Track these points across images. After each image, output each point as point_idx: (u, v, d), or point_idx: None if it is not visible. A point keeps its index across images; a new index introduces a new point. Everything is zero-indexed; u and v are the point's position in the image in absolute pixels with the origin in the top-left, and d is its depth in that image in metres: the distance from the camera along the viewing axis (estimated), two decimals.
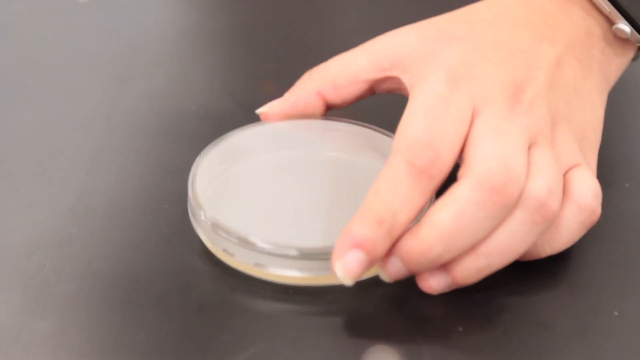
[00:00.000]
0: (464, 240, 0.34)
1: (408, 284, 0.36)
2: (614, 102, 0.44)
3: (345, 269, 0.34)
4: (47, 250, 0.39)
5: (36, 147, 0.46)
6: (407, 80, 0.40)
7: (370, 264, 0.34)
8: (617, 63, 0.42)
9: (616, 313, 0.37)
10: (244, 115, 0.48)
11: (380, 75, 0.41)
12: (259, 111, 0.43)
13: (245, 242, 0.36)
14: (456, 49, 0.39)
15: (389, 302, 0.37)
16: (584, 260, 0.39)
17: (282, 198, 0.40)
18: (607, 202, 0.38)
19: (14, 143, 0.46)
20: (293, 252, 0.36)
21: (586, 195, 0.37)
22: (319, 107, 0.42)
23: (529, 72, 0.38)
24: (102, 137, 0.47)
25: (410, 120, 0.36)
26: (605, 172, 0.40)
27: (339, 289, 0.36)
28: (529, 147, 0.36)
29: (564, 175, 0.37)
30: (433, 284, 0.35)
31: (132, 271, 0.38)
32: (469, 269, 0.35)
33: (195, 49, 0.57)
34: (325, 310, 0.37)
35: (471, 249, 0.35)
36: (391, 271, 0.35)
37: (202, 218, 0.38)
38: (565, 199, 0.37)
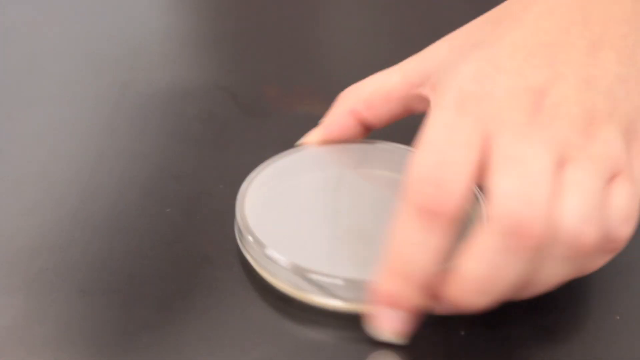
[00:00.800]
0: (502, 287, 0.33)
1: None
2: None
3: (388, 329, 0.34)
4: (50, 254, 0.39)
5: (38, 150, 0.46)
6: (432, 102, 0.37)
7: (412, 314, 0.33)
8: None
9: (618, 317, 0.36)
10: (247, 119, 0.48)
11: (412, 92, 0.39)
12: (298, 143, 0.42)
13: (296, 272, 0.36)
14: (470, 62, 0.36)
15: None
16: None
17: (331, 221, 0.39)
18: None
19: (16, 146, 0.46)
20: (340, 283, 0.35)
21: (614, 222, 0.33)
22: (353, 127, 0.41)
23: (553, 71, 0.34)
24: (104, 140, 0.47)
25: (416, 157, 0.33)
26: None
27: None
28: (562, 163, 0.33)
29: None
30: (441, 309, 0.35)
31: (135, 275, 0.38)
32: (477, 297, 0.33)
33: (198, 52, 0.57)
34: (326, 315, 0.37)
35: None
36: (442, 310, 0.34)
37: (250, 241, 0.37)
38: None
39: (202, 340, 0.35)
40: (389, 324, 0.33)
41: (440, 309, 0.34)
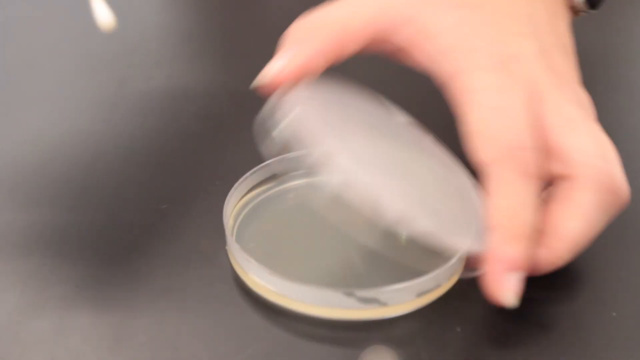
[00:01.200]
0: (587, 242, 0.36)
1: None
2: (612, 102, 0.44)
3: (512, 292, 0.34)
4: (47, 250, 0.39)
5: (36, 147, 0.46)
6: (424, 54, 0.38)
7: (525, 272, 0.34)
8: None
9: (614, 314, 0.36)
10: (243, 116, 0.48)
11: (381, 35, 0.39)
12: (267, 76, 0.38)
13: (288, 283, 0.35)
14: (475, 25, 0.38)
15: None
16: (582, 261, 0.39)
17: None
18: None
19: (13, 144, 0.46)
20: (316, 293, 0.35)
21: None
22: (321, 69, 0.38)
23: (544, 38, 0.39)
24: (102, 137, 0.47)
25: (490, 123, 0.36)
26: None
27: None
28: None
29: None
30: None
31: (131, 271, 0.38)
32: (560, 260, 0.35)
33: (195, 49, 0.57)
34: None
35: (550, 246, 0.35)
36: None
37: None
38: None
39: (198, 336, 0.35)
40: (515, 287, 0.34)
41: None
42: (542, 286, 0.37)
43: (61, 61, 0.54)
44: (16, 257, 0.38)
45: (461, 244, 0.35)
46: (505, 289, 0.34)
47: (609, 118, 0.41)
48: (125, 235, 0.40)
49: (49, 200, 0.42)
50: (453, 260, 0.36)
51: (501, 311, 0.36)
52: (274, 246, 0.38)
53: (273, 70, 0.38)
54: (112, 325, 0.35)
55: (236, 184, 0.40)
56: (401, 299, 0.35)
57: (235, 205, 0.40)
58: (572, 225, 0.35)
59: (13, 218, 0.41)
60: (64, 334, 0.35)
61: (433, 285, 0.36)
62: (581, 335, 0.36)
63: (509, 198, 0.34)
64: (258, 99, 0.47)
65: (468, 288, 0.36)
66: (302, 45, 0.38)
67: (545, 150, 0.36)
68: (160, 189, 0.43)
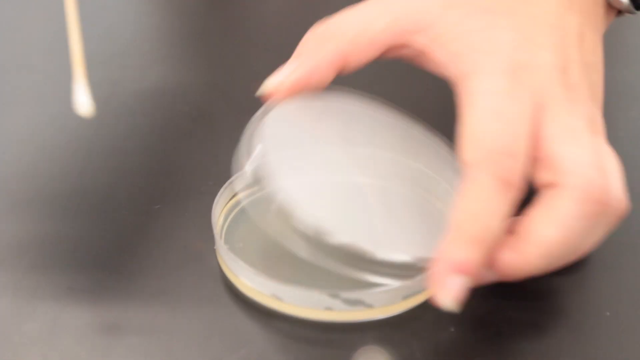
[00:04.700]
0: (564, 252, 0.34)
1: None
2: (610, 103, 0.43)
3: (453, 296, 0.33)
4: (39, 251, 0.39)
5: (28, 147, 0.46)
6: (442, 57, 0.37)
7: (472, 284, 0.33)
8: (607, 23, 0.42)
9: (608, 313, 0.37)
10: (237, 116, 0.48)
11: (399, 40, 0.38)
12: (268, 88, 0.38)
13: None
14: (501, 29, 0.37)
15: None
16: (576, 261, 0.39)
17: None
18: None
19: (6, 143, 0.46)
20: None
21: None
22: (331, 78, 0.38)
23: (567, 52, 0.37)
24: (95, 137, 0.47)
25: (483, 125, 0.35)
26: None
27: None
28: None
29: None
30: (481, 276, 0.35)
31: (123, 271, 0.38)
32: (534, 268, 0.34)
33: (188, 49, 0.57)
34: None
35: (525, 252, 0.34)
36: (482, 278, 0.35)
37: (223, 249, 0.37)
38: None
39: (192, 336, 0.35)
40: (455, 292, 0.33)
41: (486, 278, 0.35)
42: (535, 286, 0.38)
43: (54, 61, 0.54)
44: (8, 260, 0.38)
45: (397, 257, 0.34)
46: (445, 291, 0.33)
47: (606, 119, 0.41)
48: (118, 237, 0.40)
49: (40, 201, 0.42)
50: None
51: (495, 311, 0.36)
52: (262, 246, 0.38)
53: (272, 84, 0.39)
54: (105, 326, 0.35)
55: (225, 184, 0.40)
56: (387, 301, 0.35)
57: (224, 206, 0.40)
58: (547, 232, 0.33)
59: (3, 220, 0.41)
60: (56, 336, 0.35)
61: (418, 288, 0.36)
62: (575, 335, 0.36)
63: (476, 201, 0.33)
64: (251, 99, 0.47)
65: None
66: (307, 57, 0.39)
67: (537, 159, 0.35)
68: (153, 189, 0.43)
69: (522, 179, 0.34)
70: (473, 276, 0.33)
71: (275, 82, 0.39)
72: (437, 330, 0.35)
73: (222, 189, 0.39)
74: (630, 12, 0.42)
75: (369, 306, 0.35)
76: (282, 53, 0.56)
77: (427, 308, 0.36)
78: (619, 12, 0.43)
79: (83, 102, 0.34)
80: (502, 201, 0.33)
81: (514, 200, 0.34)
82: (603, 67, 0.40)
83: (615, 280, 0.38)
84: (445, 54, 0.38)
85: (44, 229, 0.40)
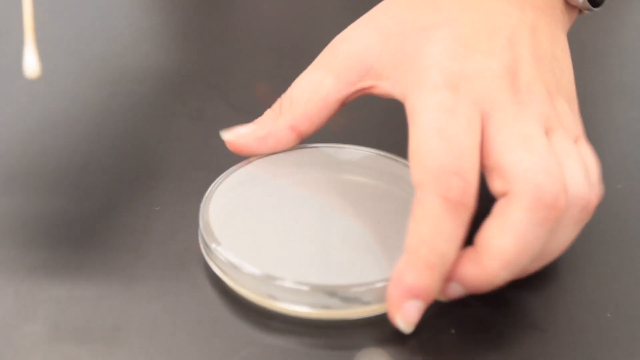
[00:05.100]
0: (525, 260, 0.34)
1: None
2: (607, 103, 0.44)
3: (406, 319, 0.33)
4: (39, 253, 0.39)
5: (28, 149, 0.46)
6: (388, 87, 0.38)
7: (427, 306, 0.34)
8: (569, 20, 0.42)
9: (609, 314, 0.37)
10: (237, 117, 0.48)
11: (351, 90, 0.39)
12: (224, 137, 0.41)
13: (261, 279, 0.35)
14: (435, 42, 0.36)
15: None
16: (576, 262, 0.39)
17: (300, 227, 0.38)
18: (599, 203, 0.38)
19: (5, 146, 0.46)
20: (307, 289, 0.35)
21: (595, 179, 0.36)
22: (292, 140, 0.40)
23: (515, 52, 0.36)
24: (94, 139, 0.47)
25: (426, 145, 0.34)
26: None
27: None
28: (547, 135, 0.35)
29: None
30: (449, 292, 0.34)
31: (124, 274, 0.38)
32: (496, 278, 0.34)
33: (188, 51, 0.57)
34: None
35: (484, 260, 0.34)
36: (450, 294, 0.34)
37: (215, 251, 0.37)
38: None
39: (192, 338, 0.35)
40: (411, 315, 0.33)
41: (447, 294, 0.34)
42: (536, 287, 0.38)
43: (53, 63, 0.54)
44: (9, 260, 0.38)
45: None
46: (400, 314, 0.33)
47: (601, 119, 0.41)
48: (118, 238, 0.40)
49: (40, 202, 0.42)
50: None
51: (496, 313, 0.36)
52: (259, 247, 0.38)
53: (226, 137, 0.41)
54: (106, 328, 0.35)
55: (212, 185, 0.40)
56: (384, 298, 0.35)
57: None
58: (502, 243, 0.33)
59: (4, 220, 0.41)
60: (57, 338, 0.35)
61: None
62: (576, 336, 0.36)
63: (426, 225, 0.33)
64: (250, 101, 0.47)
65: None
66: (261, 126, 0.41)
67: (490, 169, 0.34)
68: (153, 190, 0.43)
69: (473, 196, 0.33)
70: (426, 300, 0.33)
71: (228, 138, 0.41)
72: (438, 332, 0.35)
73: (207, 191, 0.40)
74: (588, 9, 0.42)
75: (366, 303, 0.35)
76: (281, 54, 0.56)
77: (428, 310, 0.36)
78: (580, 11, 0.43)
79: (31, 63, 0.35)
80: (454, 222, 0.33)
81: (468, 219, 0.33)
82: (568, 57, 0.39)
83: (615, 282, 0.38)
84: (391, 84, 0.38)
85: (44, 230, 0.40)
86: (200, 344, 0.35)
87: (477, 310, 0.36)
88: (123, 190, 0.43)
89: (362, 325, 0.36)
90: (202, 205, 0.39)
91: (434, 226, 0.33)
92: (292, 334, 0.35)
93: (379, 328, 0.35)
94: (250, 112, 0.43)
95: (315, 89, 0.39)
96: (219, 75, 0.53)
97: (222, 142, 0.44)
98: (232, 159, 0.42)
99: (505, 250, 0.33)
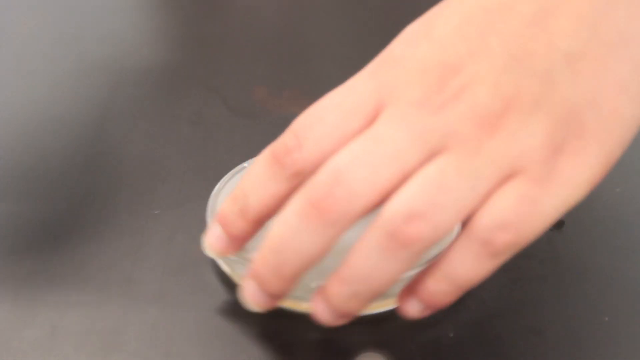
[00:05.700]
0: (292, 253, 0.30)
1: None
2: None
3: (207, 240, 0.35)
4: (38, 257, 0.39)
5: (28, 151, 0.46)
6: None
7: (228, 240, 0.34)
8: None
9: (607, 318, 0.37)
10: (237, 120, 0.48)
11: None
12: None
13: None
14: (414, 24, 0.32)
15: None
16: (575, 265, 0.39)
17: None
18: (598, 207, 0.38)
19: (5, 147, 0.46)
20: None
21: (482, 222, 0.29)
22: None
23: (479, 44, 0.29)
24: (94, 141, 0.47)
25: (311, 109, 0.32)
26: None
27: None
28: (432, 153, 0.29)
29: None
30: (319, 311, 0.32)
31: (123, 277, 0.38)
32: (337, 296, 0.31)
33: (187, 54, 0.57)
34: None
35: (334, 274, 0.31)
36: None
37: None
38: (463, 225, 0.30)
39: (191, 341, 0.35)
40: (211, 238, 0.35)
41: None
42: (534, 291, 0.38)
43: (53, 66, 0.54)
44: (8, 264, 0.38)
45: None
46: (205, 236, 0.35)
47: None
48: (117, 242, 0.40)
49: (40, 205, 0.42)
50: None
51: (494, 316, 0.36)
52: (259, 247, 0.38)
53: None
54: (105, 332, 0.35)
55: (218, 185, 0.40)
56: (382, 296, 0.35)
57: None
58: (273, 227, 0.31)
59: (3, 223, 0.41)
60: (56, 342, 0.35)
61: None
62: (574, 340, 0.36)
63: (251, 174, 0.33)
64: (250, 104, 0.47)
65: None
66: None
67: None
68: (153, 193, 0.43)
69: (297, 164, 0.31)
70: (226, 229, 0.34)
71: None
72: (436, 335, 0.35)
73: (214, 190, 0.40)
74: None
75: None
76: (280, 57, 0.56)
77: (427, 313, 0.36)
78: None
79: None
80: (264, 172, 0.32)
81: (282, 180, 0.31)
82: (613, 58, 0.30)
83: (613, 285, 0.38)
84: None
85: (43, 233, 0.40)
86: (199, 348, 0.35)
87: (475, 313, 0.36)
88: (122, 194, 0.43)
89: (362, 326, 0.36)
90: (209, 201, 0.39)
91: (251, 170, 0.33)
92: (291, 338, 0.35)
93: (379, 329, 0.36)
94: (249, 115, 0.43)
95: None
96: (218, 78, 0.53)
97: (221, 146, 0.44)
98: (232, 161, 0.42)
99: (272, 233, 0.31)
